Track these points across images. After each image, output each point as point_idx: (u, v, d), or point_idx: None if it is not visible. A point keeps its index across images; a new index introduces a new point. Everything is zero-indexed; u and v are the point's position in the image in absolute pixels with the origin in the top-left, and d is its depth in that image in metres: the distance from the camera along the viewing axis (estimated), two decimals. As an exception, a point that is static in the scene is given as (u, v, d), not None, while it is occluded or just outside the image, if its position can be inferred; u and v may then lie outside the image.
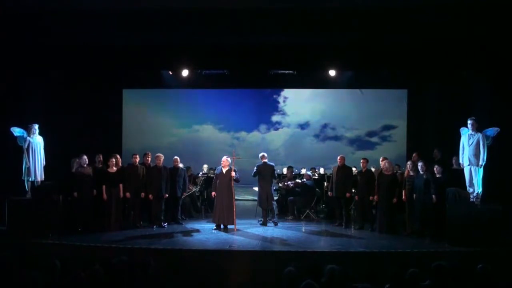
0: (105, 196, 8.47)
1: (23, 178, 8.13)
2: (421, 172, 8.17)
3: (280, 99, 13.24)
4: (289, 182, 10.30)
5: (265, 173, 9.04)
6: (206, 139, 13.17)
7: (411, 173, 8.44)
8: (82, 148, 9.11)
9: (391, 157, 11.39)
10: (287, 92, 13.15)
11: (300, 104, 13.18)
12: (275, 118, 13.27)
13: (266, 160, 9.11)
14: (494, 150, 7.80)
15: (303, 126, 13.22)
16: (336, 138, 13.12)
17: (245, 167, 9.59)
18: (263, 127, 13.28)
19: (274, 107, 13.26)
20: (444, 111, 11.01)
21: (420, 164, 8.20)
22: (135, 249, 7.05)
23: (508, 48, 8.34)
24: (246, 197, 12.26)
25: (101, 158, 8.88)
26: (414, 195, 8.21)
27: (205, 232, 8.45)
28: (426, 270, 4.41)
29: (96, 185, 8.51)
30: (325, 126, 13.16)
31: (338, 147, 12.67)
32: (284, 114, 13.26)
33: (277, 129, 13.29)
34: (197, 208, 10.61)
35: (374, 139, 12.96)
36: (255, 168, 9.13)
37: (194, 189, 10.48)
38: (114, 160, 8.64)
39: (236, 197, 9.17)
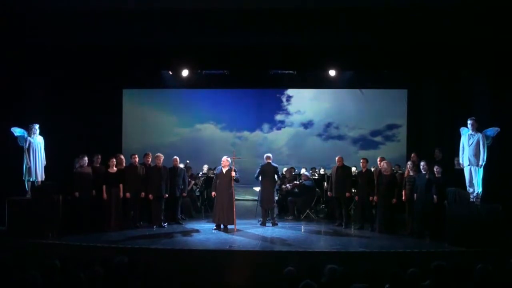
0: (105, 196, 8.47)
1: (23, 178, 8.13)
2: (423, 172, 8.15)
3: (283, 98, 13.22)
4: (287, 185, 10.30)
5: (268, 173, 9.08)
6: (208, 138, 13.15)
7: (411, 173, 8.43)
8: (82, 148, 9.10)
9: (394, 156, 11.47)
10: (290, 91, 13.13)
11: (303, 103, 13.14)
12: (278, 117, 13.24)
13: (270, 161, 9.15)
14: (494, 150, 7.80)
15: (306, 125, 13.19)
16: (340, 137, 13.07)
17: (245, 167, 9.59)
18: (265, 126, 13.24)
19: (277, 106, 13.21)
20: (444, 111, 11.01)
21: (422, 164, 8.18)
22: (135, 249, 7.05)
23: (508, 48, 8.34)
24: (246, 197, 12.25)
25: (99, 158, 8.85)
26: (415, 195, 8.20)
27: (205, 232, 8.45)
28: (426, 270, 4.41)
29: (96, 185, 8.51)
30: (328, 125, 13.12)
31: (342, 147, 12.63)
32: (287, 113, 13.23)
33: (280, 128, 13.24)
34: (197, 208, 10.62)
35: (378, 139, 12.93)
36: (258, 168, 9.16)
37: (193, 182, 10.51)
38: (114, 160, 8.64)
39: (236, 197, 9.18)
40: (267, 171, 9.09)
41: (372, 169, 9.19)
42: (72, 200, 8.39)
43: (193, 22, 8.34)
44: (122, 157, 8.91)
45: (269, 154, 9.32)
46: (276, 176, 9.19)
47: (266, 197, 9.05)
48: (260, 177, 9.16)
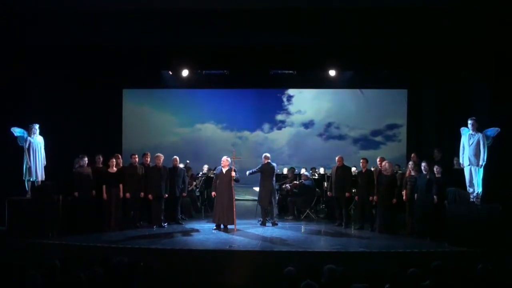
0: (105, 196, 8.47)
1: (24, 178, 8.13)
2: (424, 172, 8.15)
3: (284, 98, 13.20)
4: (287, 185, 10.30)
5: (268, 173, 9.12)
6: (208, 138, 13.13)
7: (413, 173, 8.43)
8: (82, 148, 9.11)
9: (395, 156, 11.49)
10: (291, 91, 13.11)
11: (304, 103, 13.11)
12: (279, 117, 13.21)
13: (269, 161, 9.19)
14: (494, 150, 7.80)
15: (307, 125, 13.16)
16: (340, 137, 13.04)
17: (246, 166, 9.58)
18: (266, 126, 13.22)
19: (278, 106, 13.18)
20: (444, 111, 11.01)
21: (423, 164, 8.17)
22: (135, 249, 7.05)
23: (508, 48, 8.33)
24: (246, 197, 12.24)
25: (101, 159, 8.84)
26: (416, 195, 8.20)
27: (205, 232, 8.45)
28: (426, 270, 4.41)
29: (96, 185, 8.50)
30: (329, 125, 13.09)
31: (342, 147, 12.61)
32: (288, 113, 13.21)
33: (280, 128, 13.22)
34: (197, 208, 10.62)
35: (378, 139, 12.91)
36: (259, 166, 9.18)
37: (194, 184, 10.51)
38: (114, 160, 8.64)
39: (236, 197, 9.18)
40: (267, 170, 9.12)
41: (372, 169, 9.19)
42: (72, 200, 8.38)
43: (193, 22, 8.34)
44: (120, 157, 8.91)
45: (268, 154, 9.35)
46: (273, 175, 9.24)
47: (267, 195, 9.07)
48: (260, 176, 9.19)
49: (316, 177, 10.87)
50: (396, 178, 8.66)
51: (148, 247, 7.15)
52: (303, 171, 10.83)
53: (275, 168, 9.35)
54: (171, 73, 11.16)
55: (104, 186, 8.48)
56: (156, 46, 9.12)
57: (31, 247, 7.06)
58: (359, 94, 12.80)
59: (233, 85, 12.45)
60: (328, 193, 9.43)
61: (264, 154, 9.36)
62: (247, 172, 9.30)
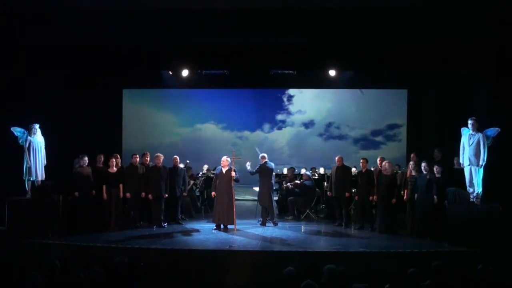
0: (105, 196, 8.47)
1: (24, 178, 8.13)
2: (425, 172, 8.15)
3: (285, 98, 13.21)
4: (288, 184, 10.31)
5: (266, 173, 9.14)
6: (209, 138, 13.14)
7: (413, 173, 8.43)
8: (82, 148, 9.11)
9: (395, 156, 11.50)
10: (291, 91, 13.12)
11: (304, 103, 13.13)
12: (280, 117, 13.22)
13: (266, 160, 9.20)
14: (494, 150, 7.80)
15: (307, 125, 13.18)
16: (341, 137, 13.06)
17: (245, 167, 9.58)
18: (266, 126, 13.24)
19: (279, 106, 13.20)
20: (444, 111, 11.01)
21: (423, 164, 8.17)
22: (135, 249, 7.05)
23: (508, 48, 8.34)
24: (246, 197, 12.25)
25: (102, 158, 8.83)
26: (416, 195, 8.20)
27: (205, 232, 8.45)
28: (426, 270, 4.41)
29: (96, 185, 8.50)
30: (329, 125, 13.11)
31: (343, 147, 12.64)
32: (288, 113, 13.22)
33: (281, 128, 13.24)
34: (197, 208, 10.62)
35: (379, 139, 12.92)
36: (258, 165, 9.19)
37: (193, 183, 10.51)
38: (114, 160, 8.64)
39: (236, 197, 9.19)
40: (265, 170, 9.13)
41: (372, 169, 9.18)
42: (72, 200, 8.38)
43: (193, 22, 8.34)
44: (119, 157, 8.91)
45: (265, 154, 9.37)
46: (271, 175, 9.28)
47: (267, 195, 9.08)
48: (259, 176, 9.20)
49: (316, 177, 10.87)
50: (396, 178, 8.66)
51: (148, 247, 7.15)
52: (303, 171, 10.84)
53: (273, 167, 9.35)
54: (171, 73, 11.16)
55: (104, 186, 8.48)
56: (156, 46, 9.13)
57: (31, 247, 7.07)
58: (359, 94, 12.80)
59: (233, 85, 12.45)
60: (328, 193, 9.43)
61: (261, 155, 9.37)
62: (249, 167, 9.25)
